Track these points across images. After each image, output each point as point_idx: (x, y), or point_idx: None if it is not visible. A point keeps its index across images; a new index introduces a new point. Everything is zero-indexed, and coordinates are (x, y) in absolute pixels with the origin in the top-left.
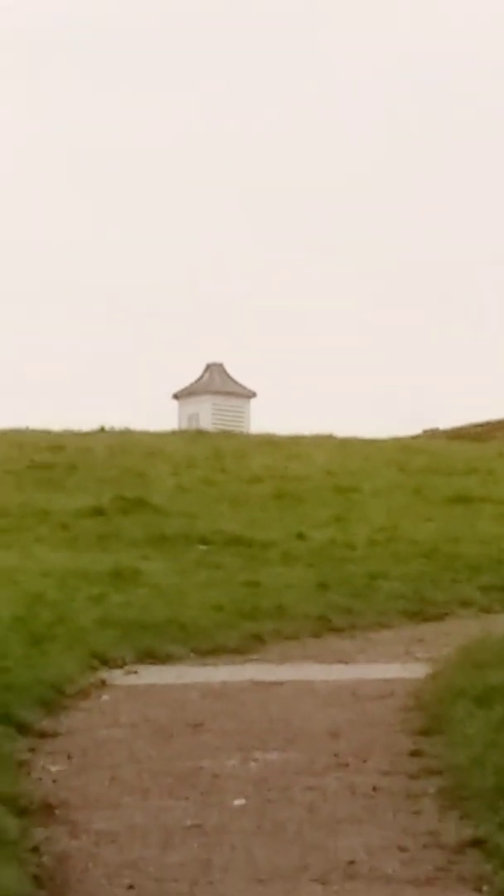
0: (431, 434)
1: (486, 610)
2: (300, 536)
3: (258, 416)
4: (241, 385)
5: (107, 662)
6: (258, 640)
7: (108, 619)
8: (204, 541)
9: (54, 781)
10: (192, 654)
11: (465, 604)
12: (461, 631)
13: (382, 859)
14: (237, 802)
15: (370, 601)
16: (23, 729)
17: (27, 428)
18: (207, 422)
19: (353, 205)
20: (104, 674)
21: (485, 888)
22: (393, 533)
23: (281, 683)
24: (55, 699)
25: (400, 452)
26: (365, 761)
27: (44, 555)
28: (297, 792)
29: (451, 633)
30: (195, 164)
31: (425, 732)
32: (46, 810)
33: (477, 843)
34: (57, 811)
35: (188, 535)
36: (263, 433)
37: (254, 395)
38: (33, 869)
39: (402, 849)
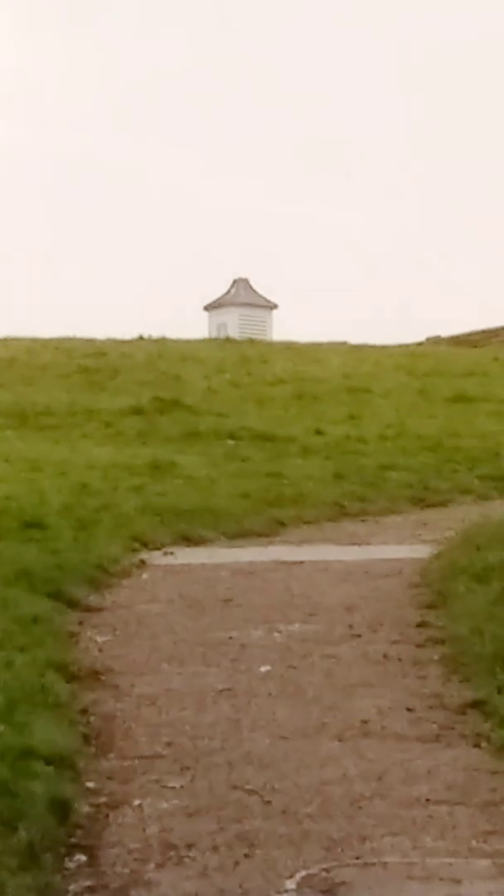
0: (435, 341)
1: (484, 497)
2: (318, 432)
3: (279, 326)
4: (264, 297)
5: (146, 545)
6: (280, 524)
7: (147, 507)
8: (232, 436)
9: (100, 651)
10: (221, 538)
11: (465, 492)
12: (461, 516)
13: (392, 719)
14: (263, 669)
15: (380, 490)
16: (72, 604)
17: (74, 336)
18: (234, 331)
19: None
20: (144, 555)
21: (483, 745)
22: (400, 429)
23: (301, 563)
24: (100, 578)
25: (406, 357)
26: (376, 632)
27: (89, 449)
28: (316, 659)
29: (453, 518)
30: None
31: (430, 606)
32: (93, 676)
33: (476, 704)
34: (102, 677)
35: (218, 431)
36: (284, 340)
37: (276, 306)
38: (82, 728)
39: (410, 709)
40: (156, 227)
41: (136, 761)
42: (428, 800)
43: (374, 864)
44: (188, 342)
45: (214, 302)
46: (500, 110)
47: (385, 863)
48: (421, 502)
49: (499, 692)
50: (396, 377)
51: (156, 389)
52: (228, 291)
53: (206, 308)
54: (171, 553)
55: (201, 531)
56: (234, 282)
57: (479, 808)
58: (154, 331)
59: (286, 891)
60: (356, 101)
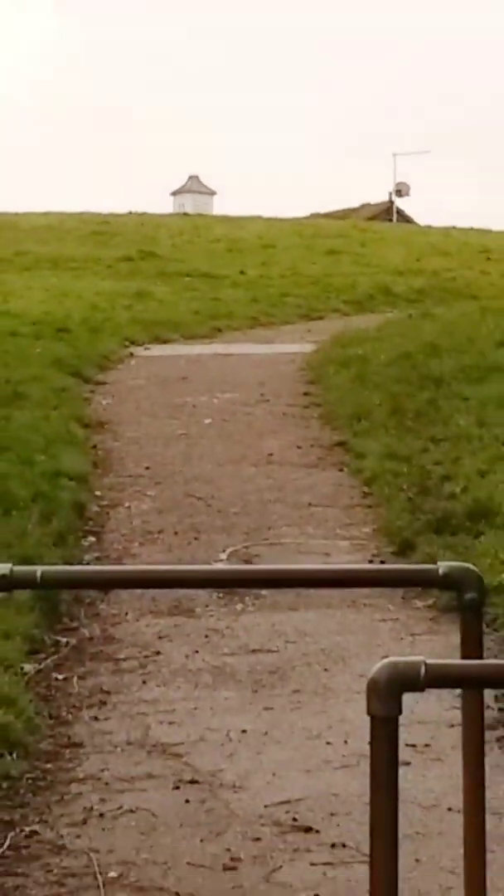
0: (316, 215)
1: (346, 314)
2: (242, 273)
3: (219, 207)
4: (208, 187)
5: (133, 343)
6: (218, 330)
7: (134, 319)
8: (188, 275)
9: (104, 409)
10: (180, 339)
11: (335, 311)
12: (333, 327)
13: (288, 453)
14: (206, 421)
15: (281, 309)
16: (86, 380)
17: (88, 211)
18: (190, 209)
19: None
20: (131, 349)
21: (344, 470)
22: (294, 270)
23: (231, 355)
24: (104, 363)
25: (297, 225)
26: (278, 398)
27: (98, 283)
28: (240, 415)
29: (327, 328)
30: None
31: (312, 382)
32: (100, 425)
33: (341, 444)
34: (105, 426)
35: (179, 272)
36: (221, 215)
37: (216, 193)
38: (92, 458)
39: (299, 447)
40: (142, 137)
41: (126, 479)
42: (310, 504)
43: (276, 544)
44: (160, 215)
45: (176, 190)
46: None
47: (283, 543)
48: (306, 317)
49: (354, 436)
50: (291, 238)
51: (140, 245)
52: (185, 183)
53: (172, 194)
54: (149, 348)
55: (168, 334)
56: (190, 177)
57: (342, 509)
58: (138, 208)
59: (220, 560)
60: None
